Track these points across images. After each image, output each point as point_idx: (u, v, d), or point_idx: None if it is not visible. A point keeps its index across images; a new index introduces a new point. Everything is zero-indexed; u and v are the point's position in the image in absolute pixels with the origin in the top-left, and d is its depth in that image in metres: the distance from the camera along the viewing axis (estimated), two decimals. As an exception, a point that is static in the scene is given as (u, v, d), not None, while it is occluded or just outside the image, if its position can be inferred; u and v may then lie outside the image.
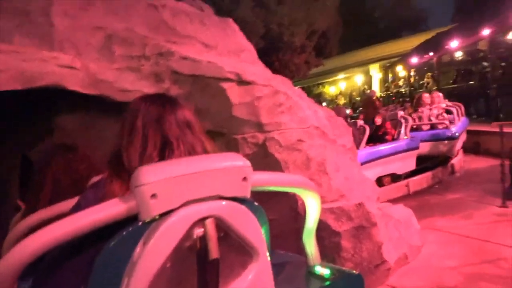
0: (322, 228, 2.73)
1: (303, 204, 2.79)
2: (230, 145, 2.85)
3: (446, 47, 12.63)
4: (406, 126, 6.21)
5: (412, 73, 17.89)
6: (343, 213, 2.82)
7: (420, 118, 7.18)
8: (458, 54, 14.57)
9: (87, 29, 2.92)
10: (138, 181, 0.80)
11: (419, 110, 7.32)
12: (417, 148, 6.10)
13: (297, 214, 2.83)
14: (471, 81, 12.62)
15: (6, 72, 2.48)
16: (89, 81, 2.77)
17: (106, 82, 2.82)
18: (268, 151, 2.82)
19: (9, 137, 3.66)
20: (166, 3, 3.41)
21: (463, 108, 7.93)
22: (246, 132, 2.89)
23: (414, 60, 15.87)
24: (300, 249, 1.63)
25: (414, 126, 6.87)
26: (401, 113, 6.76)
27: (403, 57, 18.31)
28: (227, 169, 0.90)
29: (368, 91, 17.32)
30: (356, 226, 2.84)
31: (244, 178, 0.92)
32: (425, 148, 6.50)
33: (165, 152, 1.00)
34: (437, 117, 7.12)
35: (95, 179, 1.24)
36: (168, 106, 1.08)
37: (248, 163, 0.94)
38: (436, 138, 6.71)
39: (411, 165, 6.06)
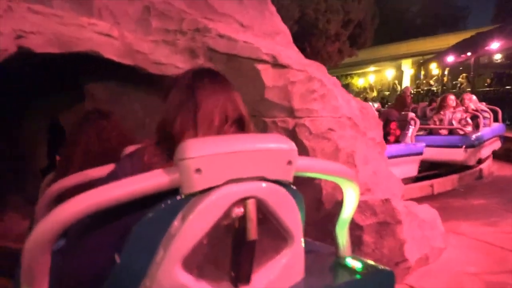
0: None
1: (327, 194, 2.77)
2: (259, 127, 2.81)
3: (486, 48, 12.17)
4: (413, 129, 5.75)
5: (445, 72, 17.36)
6: (368, 207, 2.76)
7: (441, 121, 6.68)
8: (497, 57, 14.02)
9: (126, -1, 2.91)
10: (183, 154, 0.77)
11: (441, 112, 6.76)
12: (420, 153, 5.62)
13: (320, 204, 2.79)
14: (508, 86, 12.16)
15: (44, 35, 2.50)
16: (125, 51, 2.76)
17: (141, 53, 2.81)
18: (298, 137, 2.78)
19: (38, 100, 3.73)
20: (206, -21, 3.36)
21: (499, 113, 7.44)
22: (277, 116, 2.84)
23: (450, 59, 15.36)
24: (321, 239, 1.59)
25: (429, 130, 6.50)
26: (412, 114, 6.17)
27: (438, 55, 17.76)
28: (273, 151, 0.86)
29: (398, 86, 16.94)
30: (380, 221, 2.78)
31: (289, 162, 0.88)
32: (437, 154, 6.08)
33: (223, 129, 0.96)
34: (459, 121, 6.56)
35: (130, 148, 1.22)
36: (228, 85, 1.05)
37: (294, 146, 0.90)
38: (451, 145, 6.18)
39: (411, 171, 5.62)
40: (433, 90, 17.52)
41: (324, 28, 7.91)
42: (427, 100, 11.67)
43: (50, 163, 3.73)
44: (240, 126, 1.01)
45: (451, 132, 6.55)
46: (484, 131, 6.62)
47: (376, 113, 4.10)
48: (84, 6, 2.73)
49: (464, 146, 6.16)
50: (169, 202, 0.81)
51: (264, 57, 2.81)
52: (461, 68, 16.03)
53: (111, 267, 0.84)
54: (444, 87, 16.78)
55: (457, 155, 6.15)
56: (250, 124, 1.04)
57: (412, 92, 18.45)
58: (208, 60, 2.89)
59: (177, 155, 0.79)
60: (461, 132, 6.37)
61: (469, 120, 6.65)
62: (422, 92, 18.47)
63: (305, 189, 2.78)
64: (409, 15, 30.94)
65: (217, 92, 1.00)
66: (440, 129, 6.63)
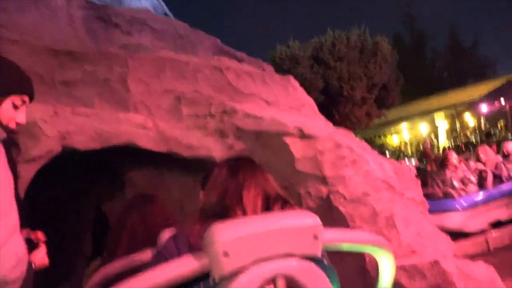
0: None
1: (371, 261, 2.67)
2: (293, 199, 2.82)
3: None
4: None
5: (482, 121, 16.94)
6: (416, 271, 2.62)
7: (443, 182, 5.94)
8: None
9: (158, 93, 3.15)
10: (211, 238, 0.81)
11: (442, 172, 6.05)
12: None
13: (365, 271, 2.68)
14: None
15: (86, 133, 2.72)
16: (159, 139, 2.94)
17: (175, 139, 2.98)
18: (333, 204, 2.76)
19: (85, 190, 3.93)
20: (230, 66, 3.62)
21: None
22: (310, 186, 2.86)
23: (484, 108, 15.09)
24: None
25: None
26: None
27: (470, 105, 17.50)
28: (298, 228, 0.89)
29: (435, 141, 16.56)
30: (431, 285, 2.61)
31: (315, 236, 0.90)
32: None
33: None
34: (461, 181, 5.84)
35: (167, 232, 1.27)
36: (262, 169, 1.17)
37: (318, 221, 0.92)
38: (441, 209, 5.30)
39: None
40: (472, 141, 16.98)
41: (349, 94, 8.13)
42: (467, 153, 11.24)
43: (95, 250, 3.83)
44: (281, 202, 1.09)
45: (446, 195, 5.79)
46: (484, 193, 5.77)
47: (414, 171, 4.00)
48: (121, 103, 2.99)
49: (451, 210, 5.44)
50: (202, 287, 0.84)
51: (290, 130, 2.91)
52: (498, 116, 15.63)
53: None
54: (483, 137, 16.22)
55: (450, 220, 5.33)
56: (288, 199, 1.13)
57: (450, 145, 17.97)
58: (237, 139, 3.02)
59: (205, 240, 0.83)
60: (457, 194, 5.65)
61: (472, 179, 5.92)
62: (459, 144, 17.94)
63: (349, 258, 2.70)
64: (435, 71, 31.17)
65: (256, 175, 1.11)
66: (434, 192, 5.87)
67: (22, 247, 1.04)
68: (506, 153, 6.52)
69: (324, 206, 2.81)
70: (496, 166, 6.18)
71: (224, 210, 1.03)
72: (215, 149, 2.98)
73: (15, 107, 1.29)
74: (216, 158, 2.94)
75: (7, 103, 1.26)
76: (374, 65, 8.52)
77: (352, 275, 2.65)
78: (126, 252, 1.57)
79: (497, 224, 5.69)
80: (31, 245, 1.25)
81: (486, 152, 6.41)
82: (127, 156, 3.38)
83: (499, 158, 6.56)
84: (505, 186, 5.87)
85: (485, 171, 6.02)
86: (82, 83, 2.86)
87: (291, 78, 4.18)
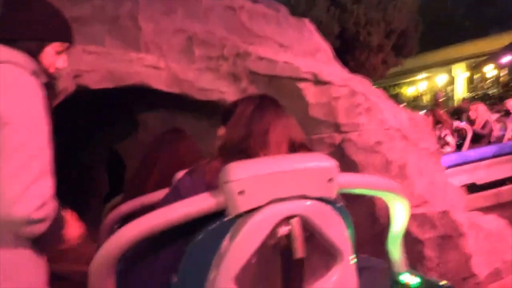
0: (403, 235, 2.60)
1: (381, 208, 2.70)
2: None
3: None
4: None
5: (502, 74, 16.41)
6: (426, 220, 2.65)
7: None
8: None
9: (170, 32, 3.06)
10: (227, 177, 0.80)
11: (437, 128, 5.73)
12: None
13: (374, 219, 2.72)
14: None
15: (98, 72, 2.69)
16: (172, 81, 2.90)
17: (187, 81, 2.94)
18: (345, 152, 2.75)
19: (98, 131, 3.97)
20: (243, 5, 3.47)
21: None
22: (323, 133, 2.83)
23: (506, 59, 14.53)
24: (378, 255, 1.55)
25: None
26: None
27: (491, 56, 16.87)
28: (314, 169, 0.87)
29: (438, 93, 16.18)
30: (441, 235, 2.65)
31: (330, 179, 0.89)
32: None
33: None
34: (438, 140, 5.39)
35: (182, 172, 1.26)
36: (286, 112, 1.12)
37: (334, 164, 0.91)
38: None
39: None
40: (489, 94, 16.56)
41: (366, 40, 7.82)
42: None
43: (110, 189, 3.94)
44: (306, 150, 1.05)
45: None
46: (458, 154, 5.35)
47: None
48: (132, 42, 2.91)
49: None
50: (217, 224, 0.84)
51: (304, 76, 2.84)
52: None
53: (169, 287, 0.88)
54: (504, 89, 15.78)
55: None
56: (310, 148, 1.10)
57: (466, 97, 17.57)
58: (251, 83, 2.96)
59: (221, 178, 0.82)
60: None
61: (449, 139, 5.59)
62: (476, 96, 17.53)
63: (359, 205, 2.74)
64: (456, 19, 29.77)
65: (281, 117, 1.06)
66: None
67: (50, 190, 1.05)
68: (507, 111, 6.24)
69: (337, 153, 2.79)
70: (484, 126, 5.75)
71: (247, 151, 0.99)
72: (228, 93, 2.94)
73: (57, 53, 1.34)
74: (229, 102, 2.90)
75: (50, 49, 1.30)
76: (393, 9, 8.09)
77: (361, 221, 2.69)
78: (155, 188, 1.54)
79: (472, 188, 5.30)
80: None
81: (477, 109, 5.95)
82: (140, 97, 3.36)
83: (492, 116, 6.15)
84: (485, 149, 5.35)
85: (464, 130, 5.67)
86: (92, 20, 2.78)
87: (307, 21, 4.02)
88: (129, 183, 1.85)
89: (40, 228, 1.02)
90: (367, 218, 2.69)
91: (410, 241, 2.66)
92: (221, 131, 1.12)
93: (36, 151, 1.04)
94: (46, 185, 1.04)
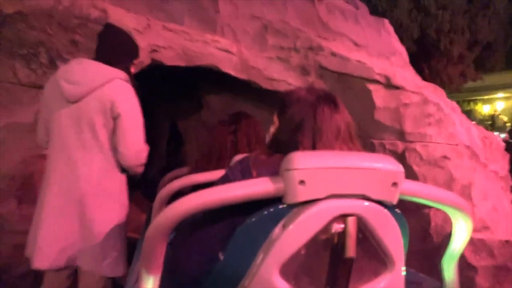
0: (456, 257, 2.46)
1: (436, 226, 2.57)
2: (366, 148, 2.74)
3: None
4: None
5: None
6: (484, 247, 2.49)
7: None
8: None
9: (246, 18, 3.10)
10: (290, 165, 0.80)
11: None
12: None
13: (427, 235, 2.60)
14: None
15: (173, 50, 2.78)
16: (241, 66, 2.94)
17: (256, 69, 2.96)
18: (407, 162, 2.64)
19: (162, 106, 4.14)
20: (323, -2, 3.43)
21: None
22: (386, 139, 2.74)
23: None
24: (425, 272, 1.48)
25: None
26: None
27: None
28: (379, 171, 0.85)
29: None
30: (498, 265, 2.48)
31: (394, 184, 0.86)
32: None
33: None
34: None
35: (239, 156, 1.30)
36: (344, 110, 1.08)
37: (401, 168, 0.87)
38: None
39: None
40: None
41: (446, 49, 7.35)
42: None
43: (168, 163, 4.10)
44: (350, 141, 1.03)
45: None
46: None
47: (503, 144, 3.67)
48: (209, 24, 2.99)
49: None
50: (271, 210, 0.85)
51: (376, 77, 2.75)
52: None
53: (215, 263, 0.91)
54: None
55: None
56: (356, 140, 1.05)
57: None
58: (319, 78, 2.93)
59: (283, 165, 0.83)
60: None
61: None
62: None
63: (412, 217, 2.63)
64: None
65: (335, 117, 1.03)
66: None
67: (147, 148, 1.88)
68: None
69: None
70: None
71: (296, 147, 0.98)
72: (295, 85, 2.92)
73: (133, 64, 1.99)
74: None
75: (132, 65, 1.98)
76: (482, 19, 7.48)
77: (412, 234, 2.58)
78: (216, 167, 1.61)
79: None
80: None
81: None
82: (206, 79, 3.45)
83: None
84: None
85: None
86: (175, -2, 2.89)
87: (386, 22, 3.88)
88: (199, 158, 1.94)
89: (142, 168, 1.88)
90: (420, 233, 2.58)
91: (462, 265, 2.51)
92: (273, 126, 1.11)
93: (139, 127, 1.82)
94: (146, 146, 1.86)
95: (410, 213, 2.58)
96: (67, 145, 1.78)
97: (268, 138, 1.14)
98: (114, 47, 1.86)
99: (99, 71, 1.77)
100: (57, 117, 1.80)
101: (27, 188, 2.36)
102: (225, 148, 1.78)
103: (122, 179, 1.89)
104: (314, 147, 0.98)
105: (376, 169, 0.85)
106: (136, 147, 1.79)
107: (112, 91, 1.74)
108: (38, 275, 2.36)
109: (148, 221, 1.91)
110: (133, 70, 1.98)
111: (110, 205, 1.81)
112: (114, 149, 1.78)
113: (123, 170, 1.86)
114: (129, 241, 2.04)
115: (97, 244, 1.76)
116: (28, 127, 2.37)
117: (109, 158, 1.80)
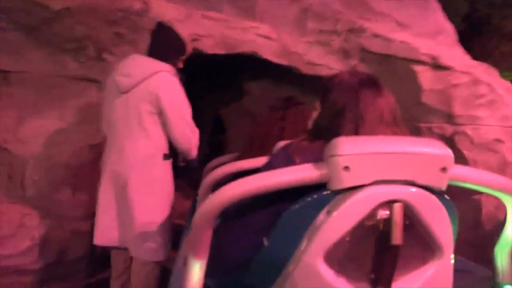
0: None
1: (488, 212, 2.47)
2: (412, 133, 2.65)
3: None
4: None
5: None
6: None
7: None
8: None
9: (285, 2, 3.06)
10: (334, 151, 0.80)
11: None
12: None
13: (477, 223, 2.50)
14: None
15: (214, 38, 2.81)
16: (281, 52, 2.92)
17: (296, 54, 2.93)
18: (456, 146, 2.53)
19: (203, 97, 4.20)
20: (364, -23, 3.31)
21: None
22: (433, 122, 2.64)
23: None
24: (476, 261, 1.43)
25: None
26: None
27: None
28: (427, 155, 0.82)
29: None
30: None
31: (443, 169, 0.83)
32: None
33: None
34: None
35: (282, 143, 1.29)
36: (388, 93, 1.04)
37: (450, 152, 0.84)
38: None
39: None
40: None
41: (498, 24, 6.90)
42: None
43: (211, 151, 4.18)
44: (395, 125, 1.00)
45: None
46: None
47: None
48: (248, 10, 2.98)
49: None
50: (316, 196, 0.85)
51: (422, 58, 2.64)
52: None
53: (259, 249, 0.92)
54: None
55: None
56: (402, 124, 1.02)
57: None
58: (361, 61, 2.85)
59: (327, 151, 0.82)
60: None
61: None
62: None
63: (462, 204, 2.51)
64: None
65: (378, 101, 1.00)
66: None
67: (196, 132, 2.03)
68: None
69: (446, 146, 2.59)
70: None
71: (338, 134, 0.94)
72: (336, 70, 2.87)
73: (181, 60, 2.11)
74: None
75: (180, 61, 2.10)
76: (539, -10, 6.96)
77: (463, 222, 2.49)
78: (261, 154, 1.61)
79: None
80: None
81: None
82: (247, 66, 3.45)
83: None
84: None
85: None
86: (214, -14, 2.90)
87: (433, -1, 3.69)
88: (244, 146, 1.95)
89: (195, 151, 2.03)
90: (470, 220, 2.48)
91: None
92: (316, 112, 1.09)
93: (185, 116, 1.95)
94: (195, 130, 2.01)
95: (460, 199, 2.48)
96: (118, 134, 1.96)
97: (310, 124, 1.13)
98: (163, 44, 2.03)
99: (147, 64, 1.94)
100: (112, 108, 1.98)
101: (80, 177, 2.49)
102: (271, 135, 1.78)
103: (166, 166, 1.99)
104: (356, 132, 0.96)
105: (424, 153, 0.82)
106: (184, 134, 1.93)
107: (158, 82, 1.89)
108: (93, 257, 2.51)
109: (193, 208, 1.96)
110: (181, 65, 2.12)
111: (154, 191, 1.93)
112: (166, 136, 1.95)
113: (169, 156, 1.98)
114: (175, 228, 2.12)
115: (137, 229, 1.89)
116: (78, 118, 2.49)
117: (154, 145, 1.92)
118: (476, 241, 2.30)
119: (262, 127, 1.84)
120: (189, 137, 1.96)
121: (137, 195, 1.89)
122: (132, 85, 1.90)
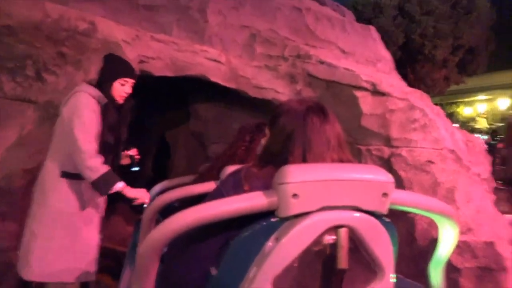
0: (442, 260, 2.51)
1: (421, 230, 2.62)
2: (353, 155, 2.78)
3: None
4: None
5: None
6: (467, 248, 2.54)
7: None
8: None
9: (235, 27, 3.13)
10: (283, 179, 0.83)
11: None
12: None
13: (413, 239, 2.65)
14: None
15: (162, 60, 2.79)
16: (230, 75, 2.97)
17: (245, 77, 2.99)
18: (393, 167, 2.69)
19: (150, 117, 4.12)
20: (310, 7, 3.48)
21: None
22: (372, 144, 2.79)
23: None
24: (412, 277, 1.51)
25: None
26: None
27: None
28: (370, 182, 0.88)
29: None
30: (481, 266, 2.53)
31: (385, 194, 0.89)
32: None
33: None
34: None
35: (231, 168, 1.31)
36: (334, 120, 1.09)
37: (391, 179, 0.90)
38: None
39: None
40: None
41: (430, 54, 7.49)
42: None
43: (155, 174, 4.08)
44: (340, 150, 1.04)
45: None
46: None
47: (485, 146, 3.76)
48: (198, 34, 3.01)
49: None
50: (264, 223, 0.87)
51: (363, 84, 2.80)
52: None
53: (207, 278, 0.92)
54: None
55: None
56: (346, 148, 1.07)
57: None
58: (307, 86, 2.97)
59: (276, 179, 0.85)
60: None
61: None
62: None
63: (398, 222, 2.65)
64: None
65: (325, 127, 1.04)
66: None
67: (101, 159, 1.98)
68: None
69: (384, 168, 2.72)
70: None
71: (286, 162, 0.98)
72: (283, 94, 2.96)
73: (122, 85, 2.10)
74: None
75: (116, 83, 2.08)
76: (465, 23, 7.62)
77: (399, 242, 2.62)
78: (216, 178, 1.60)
79: None
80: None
81: None
82: (195, 89, 3.45)
83: None
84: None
85: None
86: (164, 9, 2.90)
87: (372, 29, 3.96)
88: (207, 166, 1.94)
89: (89, 172, 1.92)
90: (405, 238, 2.62)
91: (446, 267, 2.56)
92: (265, 138, 1.12)
93: (88, 134, 1.93)
94: (92, 151, 1.93)
95: (395, 218, 2.63)
96: None
97: (260, 149, 1.16)
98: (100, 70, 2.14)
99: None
100: None
101: (11, 203, 2.34)
102: (236, 156, 1.79)
103: (61, 186, 2.03)
104: (304, 158, 1.00)
105: (367, 180, 0.88)
106: (79, 151, 1.94)
107: (70, 101, 2.01)
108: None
109: (135, 234, 1.90)
110: (127, 89, 2.13)
111: (41, 211, 2.02)
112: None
113: (69, 175, 2.02)
114: (116, 254, 2.04)
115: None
116: (13, 141, 2.35)
117: (52, 164, 2.03)
118: (412, 258, 2.44)
119: (229, 148, 1.85)
120: (83, 157, 1.96)
121: (31, 217, 2.07)
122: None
